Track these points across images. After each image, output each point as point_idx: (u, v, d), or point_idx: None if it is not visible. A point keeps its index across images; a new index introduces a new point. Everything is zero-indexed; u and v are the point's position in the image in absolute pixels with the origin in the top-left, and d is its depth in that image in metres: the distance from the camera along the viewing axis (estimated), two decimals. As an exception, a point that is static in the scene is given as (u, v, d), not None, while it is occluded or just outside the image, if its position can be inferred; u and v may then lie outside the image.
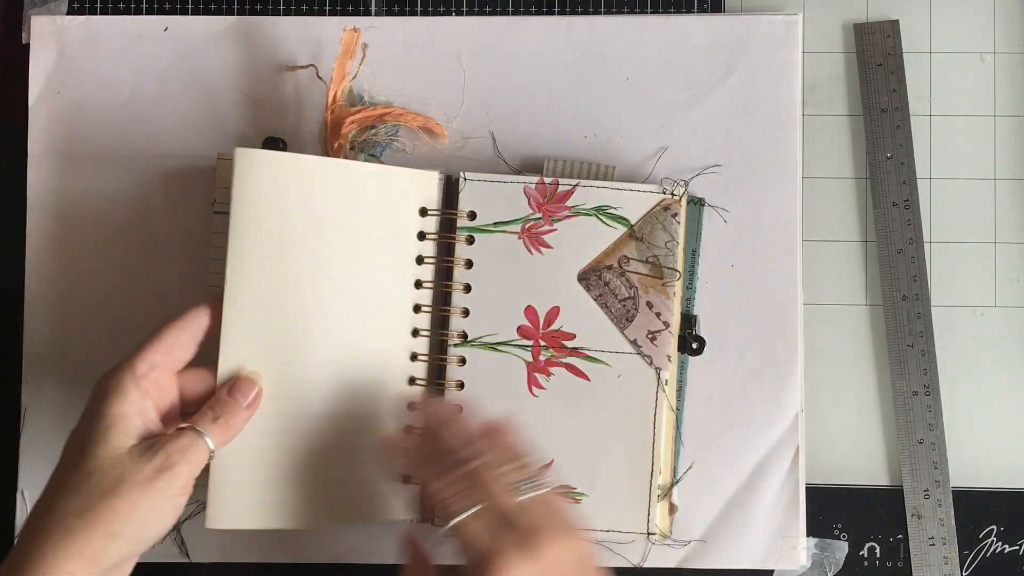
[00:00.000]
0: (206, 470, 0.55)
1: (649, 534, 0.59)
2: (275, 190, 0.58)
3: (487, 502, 0.47)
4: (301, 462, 0.57)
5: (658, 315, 0.59)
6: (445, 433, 0.52)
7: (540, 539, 0.45)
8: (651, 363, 0.59)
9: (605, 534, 0.59)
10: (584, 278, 0.60)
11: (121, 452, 0.50)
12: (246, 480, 0.57)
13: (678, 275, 0.59)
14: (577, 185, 0.60)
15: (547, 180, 0.60)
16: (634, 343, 0.59)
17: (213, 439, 0.53)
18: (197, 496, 0.61)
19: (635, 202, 0.60)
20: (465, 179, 0.60)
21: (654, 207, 0.59)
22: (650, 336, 0.59)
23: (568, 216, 0.60)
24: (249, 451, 0.57)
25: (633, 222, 0.59)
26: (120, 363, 0.52)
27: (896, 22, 0.64)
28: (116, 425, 0.51)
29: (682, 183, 0.60)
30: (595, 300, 0.59)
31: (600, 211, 0.60)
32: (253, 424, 0.56)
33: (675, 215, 0.59)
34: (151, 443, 0.51)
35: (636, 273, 0.59)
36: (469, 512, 0.46)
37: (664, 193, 0.59)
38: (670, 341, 0.59)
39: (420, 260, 0.60)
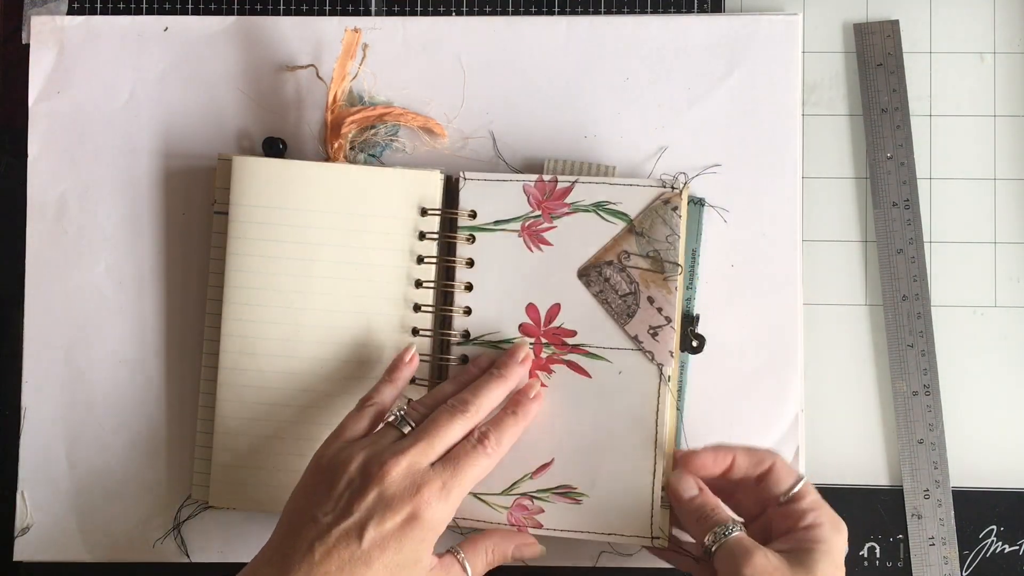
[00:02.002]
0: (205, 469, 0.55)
1: (653, 538, 0.57)
2: (273, 196, 0.59)
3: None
4: (298, 451, 0.59)
5: (659, 310, 0.58)
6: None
7: None
8: (652, 359, 0.58)
9: (606, 537, 0.58)
10: (584, 274, 0.59)
11: None
12: (245, 465, 0.60)
13: (679, 269, 0.59)
14: (576, 181, 0.60)
15: (546, 177, 0.60)
16: (635, 339, 0.58)
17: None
18: (195, 495, 0.62)
19: (634, 197, 0.59)
20: (465, 178, 0.61)
21: (654, 201, 0.59)
22: (651, 331, 0.59)
23: (567, 213, 0.60)
24: (249, 438, 0.60)
25: (633, 217, 0.59)
26: None
27: (896, 22, 0.64)
28: None
29: (683, 175, 0.60)
30: (595, 296, 0.59)
31: (599, 207, 0.59)
32: (254, 414, 0.59)
33: (675, 208, 0.59)
34: None
35: (637, 268, 0.59)
36: (805, 482, 0.54)
37: (664, 187, 0.59)
38: (672, 336, 0.58)
39: (420, 260, 0.60)
